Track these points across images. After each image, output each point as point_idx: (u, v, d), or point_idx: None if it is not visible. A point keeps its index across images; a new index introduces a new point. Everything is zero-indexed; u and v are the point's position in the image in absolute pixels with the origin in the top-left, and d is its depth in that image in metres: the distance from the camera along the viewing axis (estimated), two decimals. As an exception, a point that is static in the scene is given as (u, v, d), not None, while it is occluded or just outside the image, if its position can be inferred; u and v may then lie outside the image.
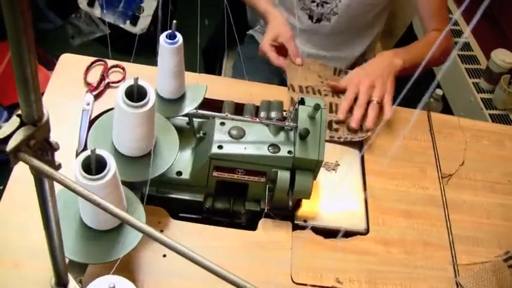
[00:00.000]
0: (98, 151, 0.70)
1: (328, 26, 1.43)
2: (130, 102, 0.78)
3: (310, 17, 1.43)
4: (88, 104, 1.06)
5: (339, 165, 1.08)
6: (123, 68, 1.14)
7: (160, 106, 0.96)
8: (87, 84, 1.10)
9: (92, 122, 1.01)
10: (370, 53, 1.58)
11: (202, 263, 0.44)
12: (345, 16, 1.41)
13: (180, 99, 0.98)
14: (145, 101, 0.78)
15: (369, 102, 1.15)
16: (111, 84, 1.11)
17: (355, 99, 1.16)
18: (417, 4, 1.39)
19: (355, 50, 1.52)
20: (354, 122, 1.11)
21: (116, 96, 0.79)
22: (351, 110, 1.15)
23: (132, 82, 0.79)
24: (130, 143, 0.84)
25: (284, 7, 1.45)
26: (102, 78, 1.11)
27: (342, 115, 1.13)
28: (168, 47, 0.89)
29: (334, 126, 1.12)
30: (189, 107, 0.97)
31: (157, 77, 0.96)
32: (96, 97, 1.08)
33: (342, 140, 1.11)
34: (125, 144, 0.85)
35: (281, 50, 1.27)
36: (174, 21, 0.88)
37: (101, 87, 1.09)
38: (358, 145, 1.12)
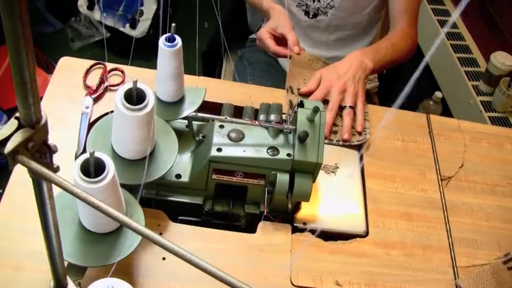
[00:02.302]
0: (97, 154, 0.70)
1: (326, 20, 1.43)
2: (129, 105, 0.78)
3: (307, 13, 1.43)
4: (87, 107, 1.06)
5: (338, 167, 1.08)
6: (122, 71, 1.14)
7: (159, 109, 0.96)
8: (87, 87, 1.10)
9: (91, 125, 1.01)
10: None
11: (201, 265, 0.44)
12: (342, 9, 1.41)
13: (179, 102, 0.98)
14: (144, 103, 0.78)
15: (341, 107, 1.16)
16: (110, 88, 1.11)
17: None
18: (390, 4, 1.41)
19: (355, 49, 1.51)
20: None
21: (115, 99, 0.79)
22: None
23: (131, 85, 0.79)
24: (129, 145, 0.84)
25: (280, 5, 1.45)
26: (102, 81, 1.11)
27: None
28: (167, 50, 0.89)
29: (333, 129, 1.13)
30: (188, 110, 0.97)
31: (157, 79, 0.96)
32: (96, 100, 1.08)
33: (340, 143, 1.11)
34: (124, 147, 0.85)
35: (280, 42, 1.27)
36: (173, 24, 0.88)
37: (100, 90, 1.09)
38: (357, 146, 1.12)
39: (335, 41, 1.49)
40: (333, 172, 1.07)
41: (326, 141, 1.09)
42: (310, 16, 1.44)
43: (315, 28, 1.46)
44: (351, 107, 1.15)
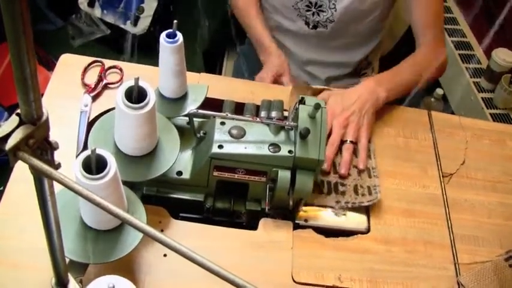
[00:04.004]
0: (99, 151, 0.70)
1: (326, 32, 1.41)
2: (130, 104, 0.77)
3: (307, 24, 1.41)
4: (86, 106, 1.05)
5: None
6: (120, 69, 1.13)
7: (161, 106, 0.96)
8: (85, 85, 1.09)
9: (90, 124, 1.01)
10: (374, 57, 1.56)
11: (202, 262, 0.44)
12: (342, 23, 1.38)
13: (182, 98, 0.98)
14: (145, 102, 0.78)
15: (343, 141, 1.08)
16: (108, 86, 1.10)
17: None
18: (411, 15, 1.33)
19: (357, 55, 1.50)
20: (325, 162, 1.04)
21: (116, 97, 0.78)
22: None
23: (131, 83, 0.79)
24: (131, 143, 0.84)
25: (279, 13, 1.44)
26: (100, 79, 1.10)
27: None
28: (169, 46, 0.89)
29: (341, 189, 1.03)
30: (191, 106, 0.97)
31: (159, 76, 0.96)
32: (94, 98, 1.08)
33: (349, 205, 1.01)
34: (126, 144, 0.85)
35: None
36: (175, 21, 0.88)
37: (99, 89, 1.09)
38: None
39: (336, 47, 1.46)
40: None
41: (333, 203, 1.00)
42: (310, 27, 1.41)
43: (315, 37, 1.44)
44: (351, 142, 1.08)
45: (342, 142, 1.08)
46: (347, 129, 1.09)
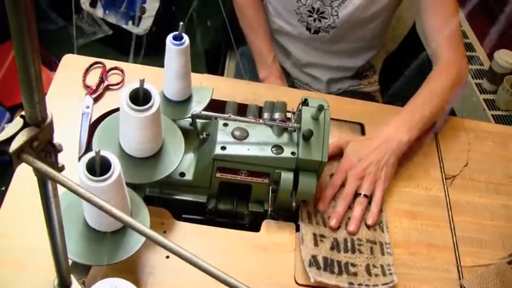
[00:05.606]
0: (103, 152, 0.69)
1: (327, 36, 1.40)
2: (135, 106, 0.77)
3: (308, 29, 1.40)
4: (88, 107, 1.05)
5: None
6: (121, 70, 1.13)
7: (166, 108, 0.96)
8: (86, 87, 1.09)
9: (92, 125, 1.01)
10: (376, 61, 1.56)
11: (203, 266, 0.44)
12: (344, 30, 1.37)
13: (187, 101, 0.98)
14: (149, 104, 0.78)
15: (356, 194, 1.01)
16: (110, 87, 1.10)
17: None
18: (424, 31, 1.26)
19: (359, 60, 1.49)
20: (334, 215, 0.98)
21: (120, 99, 0.78)
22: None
23: (136, 85, 0.79)
24: (135, 145, 0.84)
25: (281, 17, 1.44)
26: (101, 80, 1.10)
27: (323, 205, 0.99)
28: (175, 49, 0.88)
29: (352, 269, 0.92)
30: (195, 109, 0.97)
31: (164, 78, 0.95)
32: (96, 100, 1.07)
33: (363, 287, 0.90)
34: (131, 146, 0.85)
35: None
36: (181, 23, 0.87)
37: (100, 90, 1.08)
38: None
39: (338, 52, 1.46)
40: None
41: (346, 284, 0.89)
42: (312, 32, 1.40)
43: (316, 40, 1.43)
44: (365, 195, 1.01)
45: (356, 195, 1.02)
46: (363, 182, 1.02)
